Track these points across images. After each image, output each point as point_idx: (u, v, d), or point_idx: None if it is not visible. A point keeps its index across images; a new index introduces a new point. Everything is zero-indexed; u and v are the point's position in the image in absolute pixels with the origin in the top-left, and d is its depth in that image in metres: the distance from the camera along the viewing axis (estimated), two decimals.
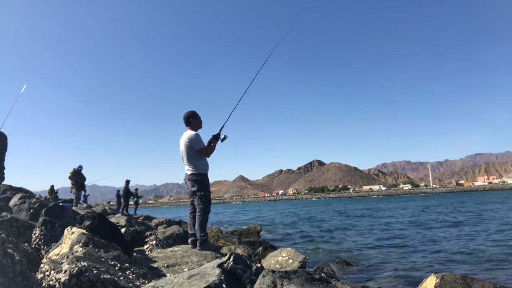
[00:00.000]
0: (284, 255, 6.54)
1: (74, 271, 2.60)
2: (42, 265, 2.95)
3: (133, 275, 3.14)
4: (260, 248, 8.95)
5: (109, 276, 2.73)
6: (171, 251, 4.63)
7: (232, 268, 2.82)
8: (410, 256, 8.88)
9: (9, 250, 2.60)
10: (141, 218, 15.43)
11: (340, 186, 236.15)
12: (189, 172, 4.63)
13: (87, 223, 3.87)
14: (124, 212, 17.11)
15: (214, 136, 4.73)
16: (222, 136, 4.73)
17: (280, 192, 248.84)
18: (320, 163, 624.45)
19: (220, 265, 2.82)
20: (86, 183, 13.86)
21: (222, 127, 4.84)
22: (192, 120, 4.73)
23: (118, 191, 19.10)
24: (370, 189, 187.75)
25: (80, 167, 13.35)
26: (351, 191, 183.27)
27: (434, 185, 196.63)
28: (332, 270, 6.20)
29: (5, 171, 4.94)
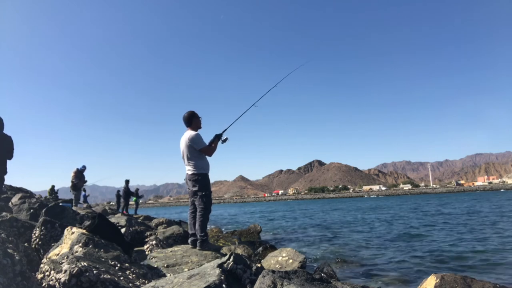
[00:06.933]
0: (284, 255, 6.53)
1: (74, 271, 2.60)
2: (42, 265, 2.94)
3: (133, 275, 3.14)
4: (260, 248, 8.93)
5: (109, 276, 2.73)
6: (171, 251, 4.62)
7: (232, 268, 2.82)
8: (410, 256, 8.88)
9: (9, 250, 2.60)
10: (141, 218, 15.42)
11: (340, 186, 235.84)
12: (190, 172, 4.64)
13: (87, 223, 3.87)
14: (124, 212, 17.09)
15: (216, 135, 4.77)
16: (224, 137, 4.77)
17: (280, 192, 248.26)
18: (320, 163, 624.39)
19: (220, 265, 2.82)
20: (86, 184, 13.81)
21: (226, 129, 4.87)
22: (194, 120, 4.77)
23: (118, 191, 19.09)
24: (370, 189, 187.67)
25: (84, 167, 13.28)
26: (351, 191, 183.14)
27: (434, 185, 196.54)
28: (332, 270, 6.19)
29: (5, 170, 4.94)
